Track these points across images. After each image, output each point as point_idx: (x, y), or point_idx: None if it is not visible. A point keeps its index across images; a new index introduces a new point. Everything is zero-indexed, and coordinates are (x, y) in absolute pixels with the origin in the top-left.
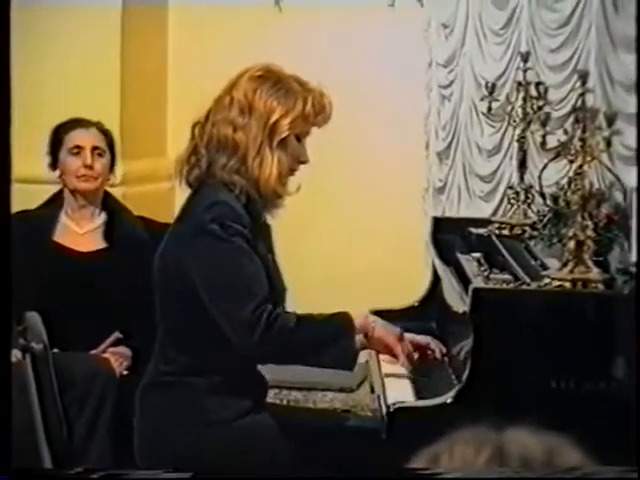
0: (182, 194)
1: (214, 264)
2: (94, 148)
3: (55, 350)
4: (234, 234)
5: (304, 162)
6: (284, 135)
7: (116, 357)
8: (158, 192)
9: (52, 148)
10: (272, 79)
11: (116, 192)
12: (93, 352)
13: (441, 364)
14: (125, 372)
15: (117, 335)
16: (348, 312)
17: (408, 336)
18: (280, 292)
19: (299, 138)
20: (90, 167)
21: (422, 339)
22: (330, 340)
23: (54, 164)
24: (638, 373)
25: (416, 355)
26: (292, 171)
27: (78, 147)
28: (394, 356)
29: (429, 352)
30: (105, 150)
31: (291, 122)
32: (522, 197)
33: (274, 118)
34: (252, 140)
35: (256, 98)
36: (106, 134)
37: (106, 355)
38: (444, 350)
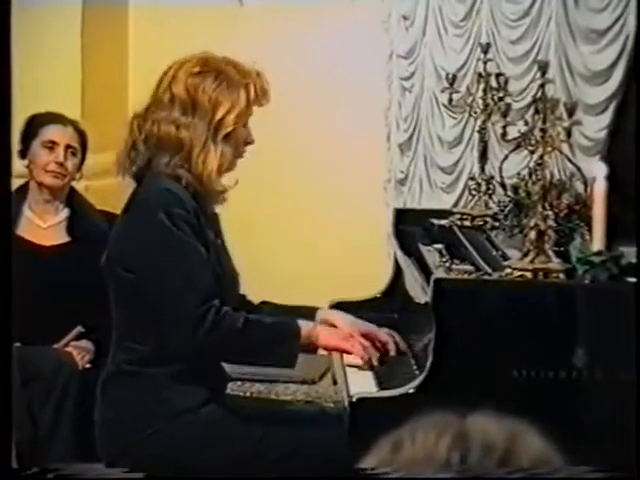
0: None
1: (158, 255)
2: (68, 146)
3: (17, 344)
4: (179, 221)
5: (250, 143)
6: (229, 130)
7: (78, 351)
8: (120, 185)
9: (24, 137)
10: (212, 73)
11: (78, 185)
12: (56, 346)
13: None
14: (88, 365)
15: (79, 329)
16: (296, 320)
17: (369, 331)
18: (231, 278)
19: (244, 124)
20: (61, 165)
21: (382, 336)
22: (273, 345)
23: (23, 152)
24: (638, 372)
25: (375, 352)
26: (240, 154)
27: (52, 142)
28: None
29: (390, 349)
30: (78, 150)
31: (237, 116)
32: (483, 188)
33: (219, 115)
34: (197, 138)
35: (199, 95)
36: (81, 134)
37: (68, 349)
38: (404, 348)
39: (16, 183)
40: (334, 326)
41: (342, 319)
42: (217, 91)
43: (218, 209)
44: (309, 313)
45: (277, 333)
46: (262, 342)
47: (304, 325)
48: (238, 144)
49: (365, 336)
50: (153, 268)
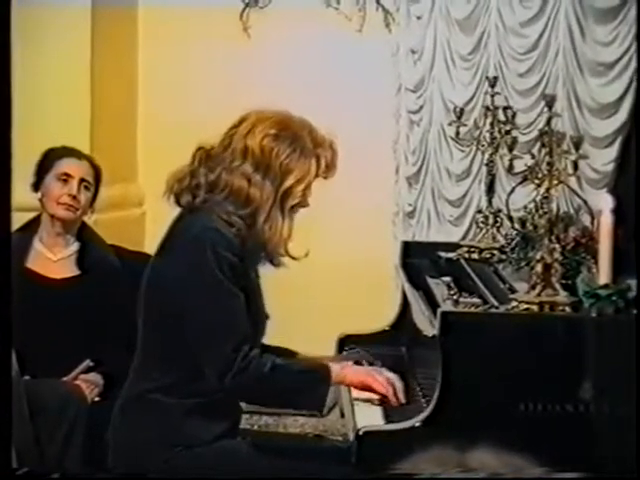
0: (152, 220)
1: (201, 296)
2: (82, 180)
3: (26, 377)
4: (224, 264)
5: (304, 207)
6: (296, 201)
7: (87, 384)
8: (128, 218)
9: (39, 170)
10: (288, 138)
11: (87, 220)
12: (64, 379)
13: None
14: (97, 399)
15: (88, 363)
16: (327, 365)
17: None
18: (261, 321)
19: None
20: (74, 197)
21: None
22: (304, 392)
23: (37, 185)
24: (638, 382)
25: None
26: None
27: (67, 175)
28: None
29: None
30: (92, 184)
31: (304, 188)
32: (491, 221)
33: (288, 184)
34: (265, 200)
35: (273, 158)
36: (96, 169)
37: (77, 382)
38: (402, 399)
39: (28, 217)
40: None
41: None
42: (290, 158)
43: None
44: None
45: (307, 378)
46: (291, 388)
47: (334, 368)
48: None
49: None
50: (193, 306)
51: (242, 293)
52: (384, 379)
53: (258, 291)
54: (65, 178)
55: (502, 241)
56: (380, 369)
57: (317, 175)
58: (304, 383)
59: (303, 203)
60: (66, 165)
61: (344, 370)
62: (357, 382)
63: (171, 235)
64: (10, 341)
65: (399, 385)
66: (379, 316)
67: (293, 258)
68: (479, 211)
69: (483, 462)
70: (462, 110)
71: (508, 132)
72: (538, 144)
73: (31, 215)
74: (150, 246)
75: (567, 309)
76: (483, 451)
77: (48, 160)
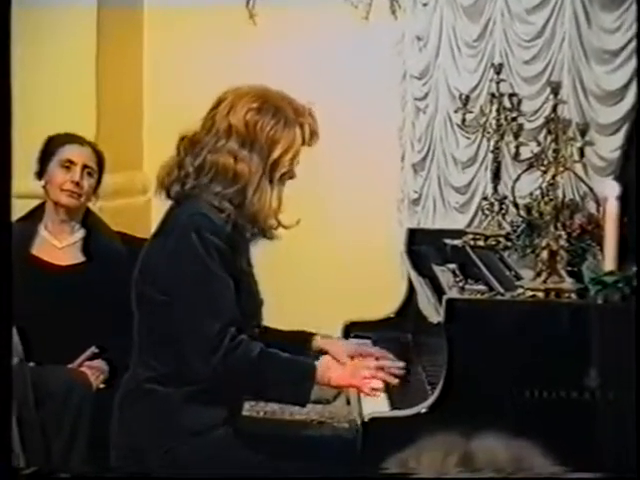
0: (158, 207)
1: (186, 279)
2: (85, 166)
3: (31, 364)
4: (210, 247)
5: (292, 178)
6: (285, 170)
7: (93, 371)
8: (134, 205)
9: (42, 157)
10: (271, 110)
11: (92, 206)
12: (70, 366)
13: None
14: (102, 385)
15: (93, 349)
16: (312, 362)
17: (363, 351)
18: (256, 306)
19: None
20: (77, 184)
21: (376, 353)
22: (288, 383)
23: (40, 173)
24: (638, 376)
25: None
26: None
27: (70, 162)
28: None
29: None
30: (95, 170)
31: (292, 157)
32: (496, 208)
33: (276, 154)
34: (254, 173)
35: (258, 131)
36: (99, 155)
37: (83, 369)
38: (399, 369)
39: (32, 204)
40: (327, 353)
41: (335, 345)
42: (274, 129)
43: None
44: (305, 339)
45: (292, 371)
46: (276, 378)
47: (319, 366)
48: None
49: (362, 356)
50: (179, 290)
51: (230, 278)
52: (369, 372)
53: (251, 277)
54: (68, 165)
55: (508, 228)
56: (365, 358)
57: (303, 143)
58: (290, 374)
59: (291, 174)
60: (68, 152)
61: (328, 372)
62: (344, 385)
63: (162, 224)
64: (10, 343)
65: (388, 364)
66: (385, 303)
67: (285, 227)
68: (485, 198)
69: (488, 448)
70: (468, 97)
71: (514, 119)
72: (544, 131)
73: (35, 202)
74: None
75: (573, 296)
76: (488, 438)
77: (50, 147)
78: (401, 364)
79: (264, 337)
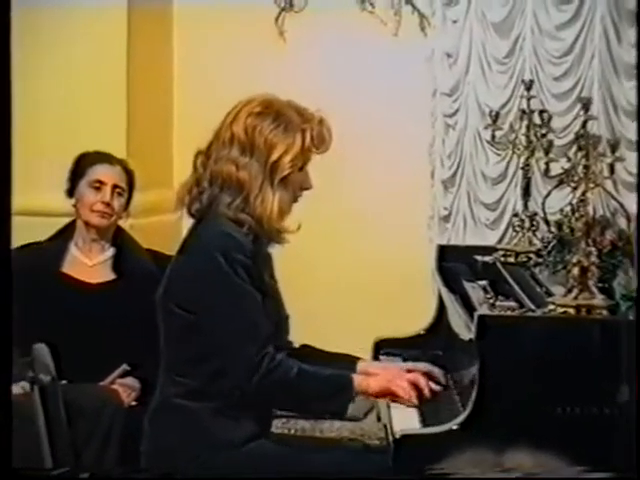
0: (189, 225)
1: (217, 300)
2: (115, 186)
3: (63, 382)
4: (237, 266)
5: (307, 189)
6: (285, 173)
7: (124, 388)
8: (164, 223)
9: (72, 176)
10: (271, 114)
11: (123, 224)
12: (101, 384)
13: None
14: (133, 403)
15: (125, 367)
16: (349, 374)
17: (411, 367)
18: (282, 320)
19: (301, 167)
20: (108, 204)
21: (424, 369)
22: (327, 398)
23: (71, 191)
24: (638, 377)
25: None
26: (295, 199)
27: (100, 182)
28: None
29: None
30: (125, 190)
31: (292, 160)
32: (527, 224)
33: (275, 157)
34: (254, 179)
35: (256, 136)
36: (129, 174)
37: (114, 386)
38: (443, 381)
39: (63, 221)
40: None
41: (382, 368)
42: (274, 132)
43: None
44: (349, 362)
45: (330, 385)
46: (316, 394)
47: (357, 378)
48: (295, 189)
49: (408, 371)
50: (212, 310)
51: (259, 292)
52: (406, 383)
53: (275, 291)
54: (98, 185)
55: (538, 244)
56: (402, 372)
57: (305, 149)
58: (328, 388)
59: (304, 184)
60: (99, 172)
61: (367, 379)
62: (380, 391)
63: (185, 242)
64: (10, 343)
65: (423, 382)
66: (415, 320)
67: (288, 232)
68: (515, 214)
69: (520, 465)
70: (498, 114)
71: (544, 135)
72: (574, 147)
73: (66, 220)
74: None
75: (604, 312)
76: (520, 454)
77: (81, 167)
78: (441, 380)
79: (308, 358)
